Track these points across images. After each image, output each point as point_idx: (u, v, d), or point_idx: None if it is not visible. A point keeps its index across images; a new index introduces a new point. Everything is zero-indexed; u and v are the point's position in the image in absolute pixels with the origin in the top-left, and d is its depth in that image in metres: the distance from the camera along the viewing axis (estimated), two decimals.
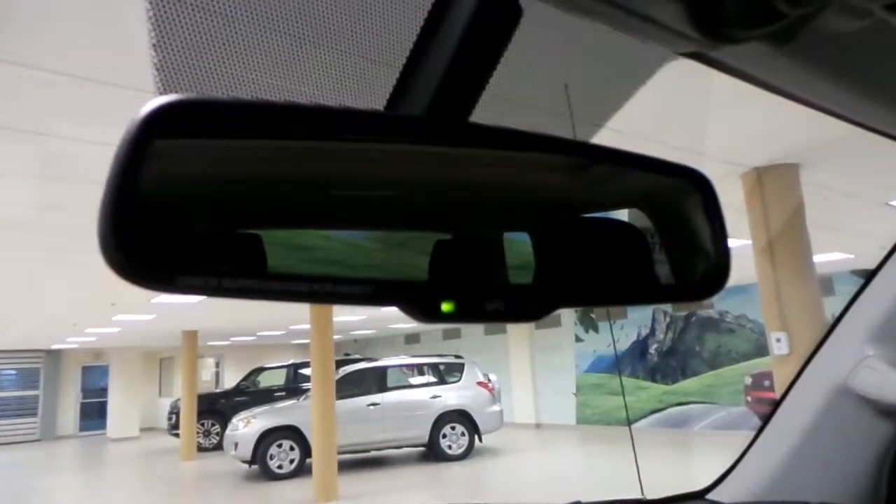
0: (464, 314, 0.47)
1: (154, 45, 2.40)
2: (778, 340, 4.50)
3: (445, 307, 0.46)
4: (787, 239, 4.41)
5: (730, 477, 1.10)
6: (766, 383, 10.60)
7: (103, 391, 18.59)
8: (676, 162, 0.57)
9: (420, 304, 0.46)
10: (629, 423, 12.59)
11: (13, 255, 6.12)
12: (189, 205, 0.45)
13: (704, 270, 0.57)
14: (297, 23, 2.26)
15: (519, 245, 0.57)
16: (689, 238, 0.58)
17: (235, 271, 0.42)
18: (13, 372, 18.44)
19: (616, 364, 13.48)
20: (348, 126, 0.46)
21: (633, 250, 0.58)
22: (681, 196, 0.59)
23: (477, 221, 0.59)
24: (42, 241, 5.60)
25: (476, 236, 0.59)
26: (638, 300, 0.61)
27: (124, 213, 0.38)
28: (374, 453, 10.45)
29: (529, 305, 0.50)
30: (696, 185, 0.58)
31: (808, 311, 4.41)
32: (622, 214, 0.60)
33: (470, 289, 0.50)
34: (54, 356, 18.66)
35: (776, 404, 1.08)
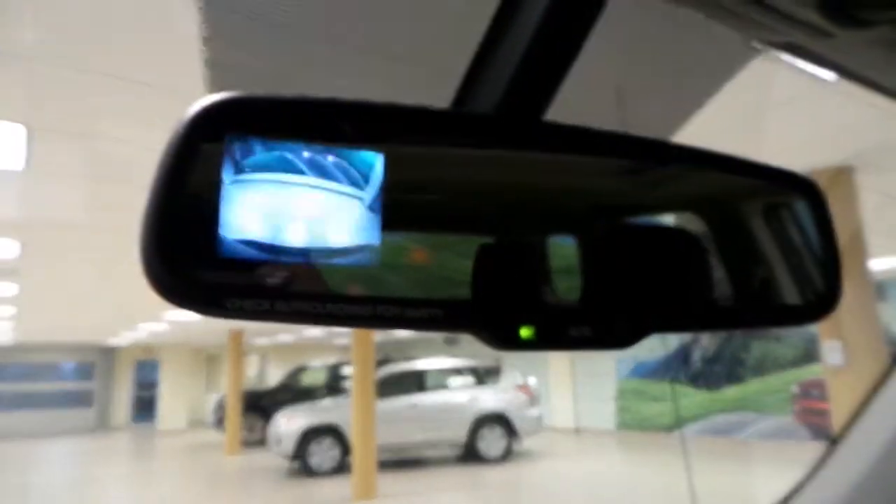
0: (545, 341, 0.42)
1: (205, 40, 2.31)
2: (832, 350, 4.34)
3: (525, 333, 0.41)
4: (843, 244, 4.24)
5: (798, 496, 0.99)
6: (815, 392, 10.20)
7: (153, 385, 19.26)
8: (781, 167, 0.51)
9: (496, 331, 0.41)
10: (681, 430, 12.26)
11: (73, 255, 6.40)
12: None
13: (809, 290, 0.50)
14: (354, 19, 2.13)
15: (588, 257, 0.49)
16: (791, 253, 0.52)
17: (289, 294, 0.37)
18: (72, 364, 19.28)
19: (657, 370, 13.19)
20: (414, 124, 0.43)
21: (724, 269, 0.52)
22: (784, 206, 0.52)
23: (543, 227, 0.52)
24: (99, 239, 5.84)
25: (528, 243, 0.53)
26: (733, 325, 0.55)
27: (169, 229, 0.34)
28: (412, 453, 10.52)
29: (617, 330, 0.45)
30: (801, 194, 0.52)
31: (864, 319, 4.24)
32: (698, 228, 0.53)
33: (549, 313, 0.45)
34: (108, 351, 19.42)
35: (854, 416, 0.99)
